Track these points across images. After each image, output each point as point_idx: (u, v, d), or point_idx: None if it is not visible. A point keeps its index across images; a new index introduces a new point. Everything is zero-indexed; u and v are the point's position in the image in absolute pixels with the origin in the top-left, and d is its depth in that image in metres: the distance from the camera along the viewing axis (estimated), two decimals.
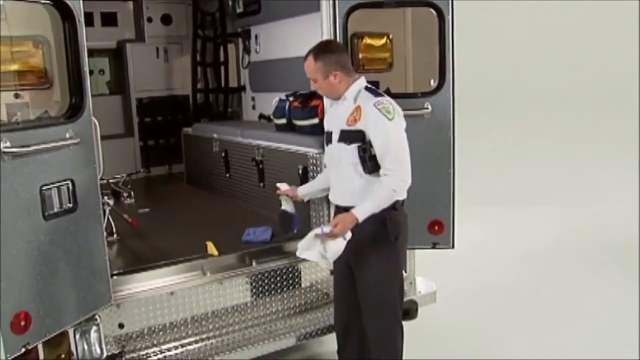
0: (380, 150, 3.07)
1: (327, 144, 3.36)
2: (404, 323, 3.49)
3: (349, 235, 3.04)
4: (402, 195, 3.18)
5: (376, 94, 3.19)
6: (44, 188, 3.00)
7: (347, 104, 3.21)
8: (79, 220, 3.20)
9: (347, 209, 3.12)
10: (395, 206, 3.16)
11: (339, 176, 3.28)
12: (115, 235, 4.44)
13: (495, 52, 11.57)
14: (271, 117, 5.36)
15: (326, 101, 3.77)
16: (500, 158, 10.52)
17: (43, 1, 3.05)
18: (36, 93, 3.50)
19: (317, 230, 3.07)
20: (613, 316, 4.95)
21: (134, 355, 3.57)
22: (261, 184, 5.20)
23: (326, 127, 3.39)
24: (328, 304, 4.08)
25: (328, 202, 4.03)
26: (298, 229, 4.05)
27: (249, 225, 4.43)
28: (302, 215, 4.16)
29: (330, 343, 3.86)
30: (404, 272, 4.32)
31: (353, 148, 3.13)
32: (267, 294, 4.03)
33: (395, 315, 3.36)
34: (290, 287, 4.11)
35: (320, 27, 4.00)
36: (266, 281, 4.02)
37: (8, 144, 2.81)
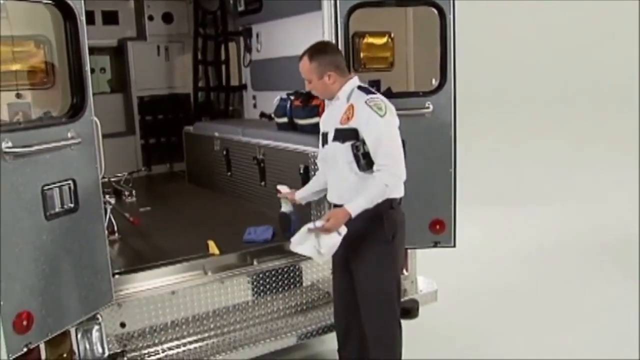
0: (373, 147, 3.09)
1: (322, 145, 3.37)
2: (405, 322, 3.50)
3: (343, 230, 3.05)
4: (398, 192, 3.19)
5: (368, 92, 3.21)
6: (46, 188, 3.00)
7: (340, 103, 3.23)
8: (80, 220, 3.21)
9: (340, 207, 3.14)
10: (392, 205, 3.17)
11: (335, 175, 3.30)
12: (116, 234, 4.44)
13: (496, 52, 11.55)
14: (272, 115, 5.37)
15: (326, 101, 3.78)
16: (500, 157, 10.51)
17: (44, 1, 3.05)
18: (38, 93, 3.50)
19: (310, 225, 3.08)
20: (613, 316, 4.94)
21: (136, 354, 3.58)
22: (262, 183, 5.20)
23: (322, 128, 3.40)
24: (329, 303, 4.08)
25: (329, 202, 4.04)
26: (297, 231, 4.07)
27: (250, 224, 4.43)
28: (303, 216, 4.17)
29: (331, 342, 3.86)
30: (404, 271, 4.37)
31: (347, 146, 3.15)
32: (268, 293, 4.03)
33: (394, 314, 3.37)
34: (292, 286, 4.12)
35: (321, 26, 4.00)
36: (267, 280, 4.02)
37: (10, 144, 2.82)
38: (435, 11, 3.94)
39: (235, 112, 7.01)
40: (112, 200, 4.49)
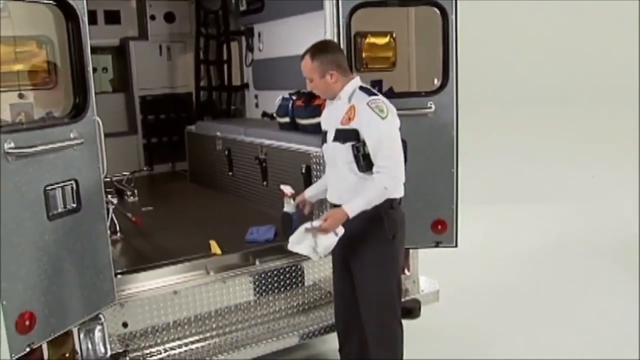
0: (373, 148, 3.09)
1: (322, 144, 3.38)
2: (407, 322, 3.50)
3: (340, 230, 3.06)
4: (397, 192, 3.19)
5: (370, 93, 3.20)
6: (48, 188, 3.01)
7: (342, 103, 3.23)
8: (82, 220, 3.22)
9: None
10: (392, 205, 3.17)
11: (334, 175, 3.31)
12: (118, 234, 4.45)
13: (497, 52, 11.57)
14: (274, 115, 5.37)
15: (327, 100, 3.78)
16: (502, 157, 10.53)
17: (46, 1, 3.05)
18: (40, 93, 3.50)
19: (307, 225, 3.09)
20: (613, 316, 4.94)
21: (138, 354, 3.58)
22: (264, 183, 5.20)
23: (323, 127, 3.41)
24: (331, 303, 4.06)
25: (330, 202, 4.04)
26: None
27: (252, 224, 4.44)
28: (306, 217, 4.17)
29: (332, 342, 3.86)
30: (406, 271, 4.37)
31: (347, 147, 3.15)
32: (270, 292, 4.04)
33: (394, 314, 3.37)
34: (294, 286, 4.12)
35: (323, 25, 4.00)
36: (269, 280, 4.02)
37: (12, 144, 2.82)
38: (438, 11, 3.94)
39: (237, 112, 7.01)
40: (115, 200, 4.51)
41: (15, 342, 2.86)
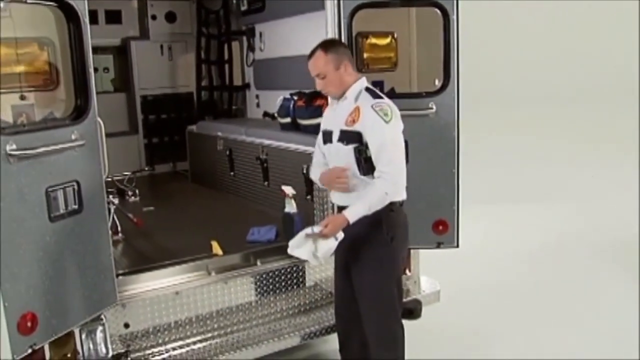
0: (376, 152, 3.09)
1: (324, 143, 3.35)
2: (408, 322, 3.50)
3: (340, 235, 3.07)
4: (397, 197, 3.18)
5: (375, 95, 3.19)
6: (50, 190, 3.01)
7: (348, 103, 3.22)
8: (84, 221, 3.22)
9: (343, 209, 3.15)
10: (392, 207, 3.16)
11: None
12: (120, 234, 4.46)
13: (498, 52, 11.57)
14: (275, 115, 5.37)
15: (330, 100, 3.77)
16: (502, 157, 10.53)
17: (47, 3, 3.06)
18: (42, 94, 3.50)
19: (308, 230, 3.10)
20: (613, 316, 4.94)
21: (140, 354, 3.59)
22: (265, 183, 5.21)
23: (324, 126, 3.39)
24: (332, 303, 4.05)
25: (332, 203, 4.04)
26: (300, 231, 4.06)
27: (254, 224, 4.44)
28: (306, 217, 4.18)
29: (334, 341, 3.86)
30: (407, 271, 4.37)
31: (350, 149, 3.15)
32: (271, 293, 4.04)
33: (394, 316, 3.36)
34: (295, 287, 4.12)
35: (324, 25, 4.00)
36: (271, 280, 4.03)
37: (14, 146, 2.82)
38: (439, 12, 3.94)
39: (238, 112, 7.02)
40: (116, 200, 4.52)
41: (17, 343, 2.86)
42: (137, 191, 5.78)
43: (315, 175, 3.45)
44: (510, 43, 11.56)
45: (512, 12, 11.40)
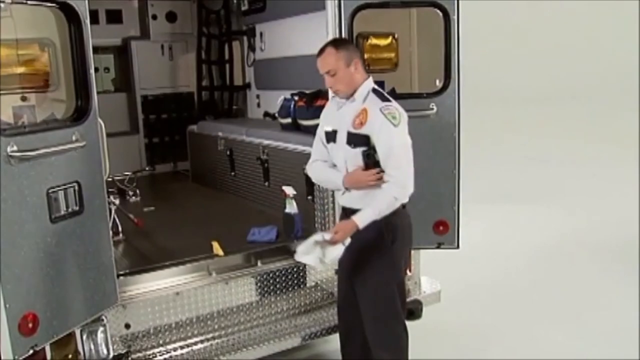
0: (384, 156, 3.08)
1: (328, 142, 3.33)
2: (409, 323, 3.48)
3: (347, 241, 3.08)
4: (405, 201, 3.18)
5: (383, 97, 3.18)
6: (51, 191, 3.01)
7: (356, 104, 3.19)
8: (85, 222, 3.22)
9: (350, 210, 3.16)
10: (394, 210, 3.15)
11: None
12: (121, 235, 4.46)
13: (498, 52, 11.58)
14: (276, 115, 5.37)
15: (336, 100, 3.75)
16: (503, 157, 10.53)
17: (48, 4, 3.05)
18: (43, 95, 3.50)
19: (318, 237, 3.10)
20: (613, 316, 4.94)
21: (140, 355, 3.59)
22: (266, 183, 5.21)
23: (327, 125, 3.35)
24: (333, 304, 4.08)
25: (333, 203, 4.05)
26: (301, 232, 4.07)
27: (254, 224, 4.44)
28: (307, 217, 4.18)
29: (335, 342, 3.86)
30: (407, 271, 4.36)
31: (358, 152, 3.14)
32: (272, 293, 4.05)
33: (395, 317, 3.35)
34: (296, 287, 4.13)
35: (325, 26, 3.99)
36: (271, 281, 4.03)
37: (15, 147, 2.82)
38: (440, 12, 3.94)
39: (238, 112, 7.02)
40: (117, 201, 4.52)
41: (19, 344, 2.86)
42: (137, 191, 5.78)
43: (316, 172, 3.45)
44: (510, 43, 11.56)
45: (512, 12, 11.40)
